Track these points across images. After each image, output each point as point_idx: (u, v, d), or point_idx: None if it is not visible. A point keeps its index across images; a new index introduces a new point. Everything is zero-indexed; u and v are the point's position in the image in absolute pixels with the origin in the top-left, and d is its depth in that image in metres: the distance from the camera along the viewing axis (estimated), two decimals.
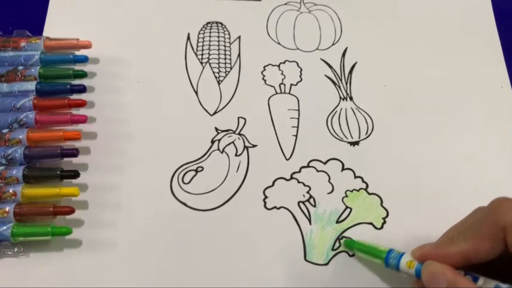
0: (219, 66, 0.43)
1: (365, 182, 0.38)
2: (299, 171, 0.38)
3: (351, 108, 0.42)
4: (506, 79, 0.43)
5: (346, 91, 0.42)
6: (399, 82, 0.43)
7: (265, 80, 0.42)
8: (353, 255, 0.36)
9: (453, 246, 0.29)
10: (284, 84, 0.42)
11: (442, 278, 0.28)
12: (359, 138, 0.40)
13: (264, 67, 0.43)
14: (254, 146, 0.39)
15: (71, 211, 0.34)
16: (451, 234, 0.30)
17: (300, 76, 0.43)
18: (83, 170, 0.37)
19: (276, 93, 0.42)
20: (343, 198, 0.38)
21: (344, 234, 0.36)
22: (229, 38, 0.44)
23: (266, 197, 0.37)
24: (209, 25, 0.45)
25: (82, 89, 0.39)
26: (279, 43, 0.44)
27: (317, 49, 0.44)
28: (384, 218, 0.37)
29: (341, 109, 0.41)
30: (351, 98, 0.42)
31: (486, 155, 0.39)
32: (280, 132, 0.40)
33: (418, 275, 0.30)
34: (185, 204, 0.37)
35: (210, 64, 0.43)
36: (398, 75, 0.43)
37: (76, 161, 0.37)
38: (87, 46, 0.41)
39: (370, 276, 0.35)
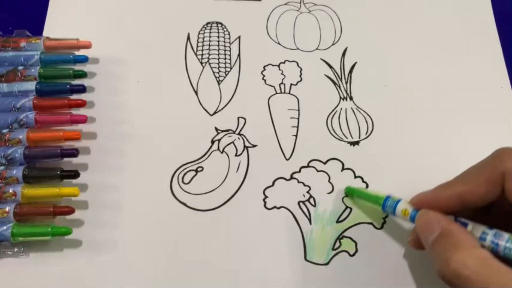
0: (219, 66, 0.43)
1: (365, 182, 0.38)
2: (299, 171, 0.38)
3: (351, 108, 0.42)
4: (506, 79, 0.43)
5: (346, 91, 0.42)
6: (399, 82, 0.43)
7: (265, 80, 0.42)
8: (353, 255, 0.36)
9: (450, 189, 0.29)
10: (284, 84, 0.42)
11: (436, 225, 0.28)
12: (359, 138, 0.40)
13: (264, 67, 0.43)
14: (254, 146, 0.39)
15: (71, 211, 0.34)
16: (450, 180, 0.31)
17: (300, 76, 0.43)
18: (83, 170, 0.37)
19: (276, 93, 0.42)
20: (343, 198, 0.38)
21: (344, 234, 0.36)
22: (229, 38, 0.44)
23: (266, 197, 0.37)
24: (209, 25, 0.45)
25: (82, 89, 0.39)
26: (279, 43, 0.44)
27: (317, 49, 0.44)
28: (384, 218, 0.37)
29: (341, 109, 0.41)
30: (351, 98, 0.42)
31: (486, 155, 0.39)
32: (280, 132, 0.40)
33: (413, 221, 0.31)
34: (185, 204, 0.37)
35: (210, 64, 0.43)
36: (398, 75, 0.43)
37: (76, 161, 0.37)
38: (87, 46, 0.41)
39: (370, 276, 0.35)
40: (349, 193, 0.37)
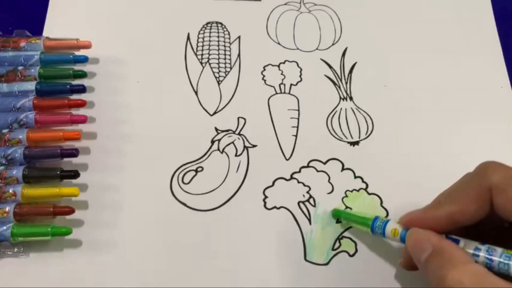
0: (219, 66, 0.43)
1: (365, 182, 0.38)
2: (299, 171, 0.38)
3: (351, 108, 0.42)
4: (506, 79, 0.43)
5: (346, 91, 0.42)
6: (399, 82, 0.43)
7: (265, 80, 0.42)
8: (353, 255, 0.36)
9: (440, 209, 0.29)
10: (284, 84, 0.42)
11: (427, 244, 0.28)
12: (359, 138, 0.40)
13: (264, 67, 0.43)
14: (254, 146, 0.39)
15: (71, 211, 0.34)
16: (437, 199, 0.30)
17: (300, 76, 0.43)
18: (83, 170, 0.37)
19: (276, 93, 0.42)
20: (343, 198, 0.38)
21: (344, 234, 0.36)
22: (229, 38, 0.44)
23: (266, 197, 0.37)
24: (209, 25, 0.45)
25: (82, 89, 0.39)
26: (279, 43, 0.44)
27: (317, 49, 0.44)
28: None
29: (341, 109, 0.41)
30: (351, 98, 0.42)
31: (486, 155, 0.39)
32: (280, 132, 0.40)
33: (404, 242, 0.30)
34: (185, 204, 0.37)
35: (210, 64, 0.43)
36: (398, 75, 0.43)
37: (76, 161, 0.37)
38: (87, 46, 0.41)
39: (370, 276, 0.35)
40: (336, 215, 0.37)
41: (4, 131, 0.36)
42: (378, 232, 0.32)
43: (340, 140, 0.40)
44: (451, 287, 0.25)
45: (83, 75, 0.39)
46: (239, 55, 0.44)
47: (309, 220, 0.37)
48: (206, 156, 0.39)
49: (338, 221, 0.37)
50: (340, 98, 0.42)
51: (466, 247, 0.27)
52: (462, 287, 0.25)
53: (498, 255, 0.26)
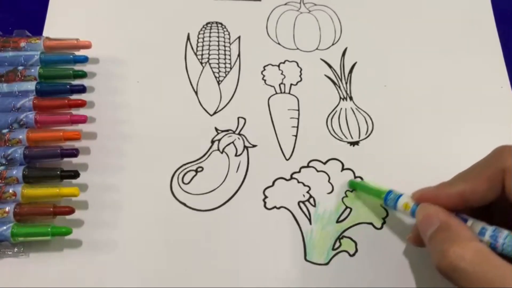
0: (219, 66, 0.43)
1: None
2: (299, 171, 0.38)
3: (351, 108, 0.42)
4: (506, 79, 0.43)
5: (346, 91, 0.42)
6: (399, 82, 0.43)
7: (265, 80, 0.42)
8: (353, 255, 0.36)
9: (452, 187, 0.30)
10: (284, 84, 0.42)
11: (435, 219, 0.29)
12: (359, 138, 0.40)
13: (264, 67, 0.43)
14: (254, 146, 0.39)
15: (71, 211, 0.34)
16: (452, 178, 0.31)
17: (300, 76, 0.43)
18: (83, 170, 0.37)
19: (276, 93, 0.42)
20: (343, 198, 0.38)
21: (344, 234, 0.36)
22: (229, 38, 0.44)
23: (266, 197, 0.37)
24: (209, 25, 0.45)
25: (82, 89, 0.39)
26: (279, 43, 0.44)
27: (317, 49, 0.44)
28: (384, 218, 0.37)
29: (341, 109, 0.41)
30: (351, 98, 0.42)
31: (485, 154, 0.39)
32: (280, 132, 0.40)
33: (414, 216, 0.31)
34: (185, 204, 0.37)
35: (210, 64, 0.43)
36: (398, 75, 0.43)
37: (76, 161, 0.37)
38: (87, 46, 0.41)
39: (370, 276, 0.35)
40: (352, 186, 0.38)
41: (4, 131, 0.36)
42: (390, 205, 0.33)
43: (340, 140, 0.40)
44: (453, 261, 0.26)
45: (83, 75, 0.39)
46: (239, 55, 0.44)
47: (309, 220, 0.37)
48: (206, 156, 0.39)
49: (338, 221, 0.37)
50: (340, 98, 0.42)
51: (473, 226, 0.28)
52: (463, 262, 0.25)
53: (503, 237, 0.26)
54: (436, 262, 0.27)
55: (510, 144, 0.29)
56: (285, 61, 0.43)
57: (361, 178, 0.38)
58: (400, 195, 0.33)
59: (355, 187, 0.37)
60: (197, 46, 0.44)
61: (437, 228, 0.28)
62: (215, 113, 0.41)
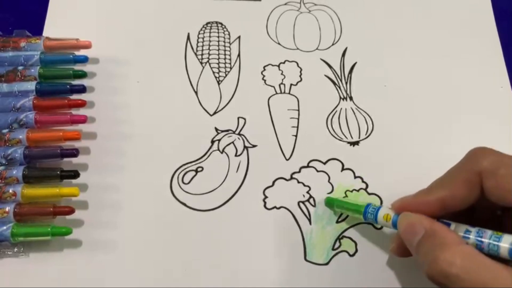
0: (219, 66, 0.43)
1: (365, 182, 0.38)
2: (299, 171, 0.38)
3: (351, 108, 0.42)
4: (506, 79, 0.43)
5: (346, 91, 0.42)
6: (399, 82, 0.43)
7: (265, 80, 0.42)
8: (353, 255, 0.36)
9: (431, 194, 0.29)
10: (284, 84, 0.42)
11: (418, 227, 0.28)
12: (359, 138, 0.40)
13: (264, 67, 0.43)
14: (254, 146, 0.39)
15: (71, 211, 0.34)
16: (430, 185, 0.30)
17: (300, 76, 0.43)
18: (83, 170, 0.37)
19: (276, 93, 0.42)
20: (343, 198, 0.38)
21: (344, 234, 0.36)
22: (229, 38, 0.44)
23: (266, 197, 0.37)
24: (209, 25, 0.45)
25: (82, 89, 0.39)
26: (279, 43, 0.44)
27: (317, 49, 0.44)
28: None
29: (341, 109, 0.41)
30: (351, 98, 0.42)
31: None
32: (280, 132, 0.40)
33: (395, 227, 0.30)
34: (185, 204, 0.37)
35: (210, 64, 0.43)
36: (398, 75, 0.43)
37: (76, 161, 0.37)
38: (87, 46, 0.41)
39: (370, 276, 0.35)
40: (329, 203, 0.37)
41: (4, 131, 0.36)
42: (370, 218, 0.32)
43: (340, 140, 0.40)
44: (443, 268, 0.25)
45: (83, 75, 0.39)
46: (239, 55, 0.44)
47: (309, 220, 0.37)
48: (206, 156, 0.39)
49: (338, 221, 0.37)
50: (340, 98, 0.42)
51: (457, 230, 0.28)
52: (454, 267, 0.25)
53: (488, 237, 0.26)
54: (426, 270, 0.27)
55: (483, 146, 0.29)
56: (285, 61, 0.43)
57: (361, 178, 0.38)
58: (379, 207, 0.32)
59: (332, 203, 0.36)
60: (197, 46, 0.44)
61: (422, 236, 0.28)
62: (215, 113, 0.41)
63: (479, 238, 0.27)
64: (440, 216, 0.29)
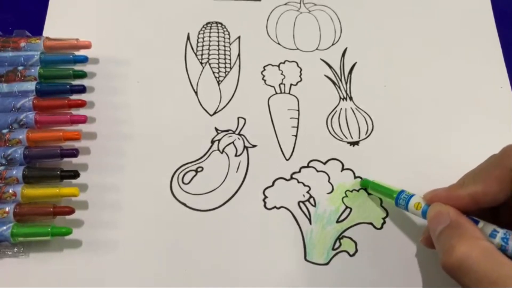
0: (219, 66, 0.43)
1: None
2: (299, 171, 0.38)
3: (351, 108, 0.42)
4: (506, 79, 0.43)
5: (346, 91, 0.42)
6: (399, 82, 0.43)
7: (265, 80, 0.42)
8: (353, 255, 0.36)
9: (463, 189, 0.29)
10: (284, 84, 0.42)
11: (445, 216, 0.29)
12: (359, 138, 0.40)
13: (264, 67, 0.43)
14: (254, 146, 0.39)
15: (71, 211, 0.34)
16: (462, 179, 0.31)
17: (300, 76, 0.43)
18: (83, 170, 0.37)
19: (276, 93, 0.42)
20: (343, 198, 0.38)
21: (344, 234, 0.36)
22: (229, 38, 0.44)
23: (266, 197, 0.37)
24: (209, 25, 0.45)
25: (82, 89, 0.39)
26: (279, 43, 0.44)
27: (317, 49, 0.44)
28: (384, 218, 0.37)
29: (341, 109, 0.41)
30: (351, 98, 0.42)
31: (486, 155, 0.39)
32: (280, 132, 0.40)
33: (424, 216, 0.31)
34: (185, 205, 0.37)
35: (210, 64, 0.43)
36: (398, 75, 0.43)
37: (76, 161, 0.37)
38: (87, 46, 0.41)
39: (370, 276, 0.35)
40: (364, 185, 0.38)
41: (4, 131, 0.36)
42: (401, 204, 0.33)
43: (340, 140, 0.40)
44: (458, 257, 0.26)
45: (83, 75, 0.39)
46: (239, 55, 0.44)
47: (309, 220, 0.37)
48: (206, 156, 0.39)
49: (338, 221, 0.37)
50: (340, 98, 0.42)
51: (484, 228, 0.28)
52: (470, 259, 0.25)
53: None
54: (443, 258, 0.27)
55: None
56: (285, 61, 0.43)
57: (361, 178, 0.38)
58: (412, 195, 0.33)
59: (367, 185, 0.37)
60: (197, 46, 0.44)
61: (447, 226, 0.28)
62: (215, 113, 0.41)
63: (505, 240, 0.27)
64: (471, 211, 0.29)
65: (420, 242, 0.33)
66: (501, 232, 0.27)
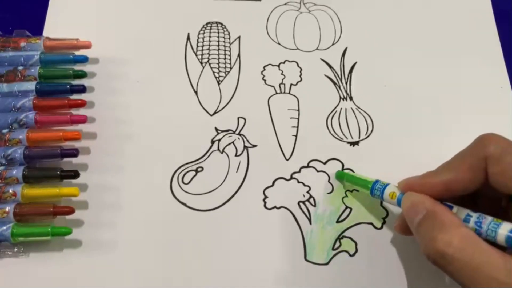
0: (219, 66, 0.43)
1: None
2: (299, 171, 0.38)
3: (351, 108, 0.42)
4: (506, 79, 0.43)
5: (346, 91, 0.42)
6: (399, 82, 0.43)
7: (265, 80, 0.42)
8: (353, 255, 0.36)
9: (436, 177, 0.30)
10: (284, 84, 0.42)
11: (421, 207, 0.29)
12: (359, 138, 0.40)
13: (264, 67, 0.43)
14: (254, 146, 0.39)
15: (71, 211, 0.34)
16: (437, 168, 0.31)
17: (300, 76, 0.43)
18: (83, 170, 0.37)
19: (276, 93, 0.42)
20: (343, 198, 0.38)
21: (344, 234, 0.36)
22: (229, 38, 0.44)
23: (266, 197, 0.37)
24: (209, 25, 0.45)
25: (82, 89, 0.39)
26: (279, 43, 0.44)
27: (317, 49, 0.44)
28: (384, 218, 0.37)
29: (341, 109, 0.41)
30: (351, 98, 0.42)
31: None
32: (280, 132, 0.40)
33: (400, 205, 0.31)
34: (185, 205, 0.37)
35: (210, 64, 0.43)
36: (398, 75, 0.43)
37: (76, 161, 0.37)
38: (87, 46, 0.41)
39: (370, 276, 0.35)
40: (339, 177, 0.38)
41: (4, 131, 0.36)
42: (377, 195, 0.34)
43: (340, 140, 0.40)
44: (440, 247, 0.26)
45: (83, 75, 0.39)
46: (239, 55, 0.44)
47: (309, 220, 0.37)
48: (206, 156, 0.39)
49: (338, 221, 0.37)
50: (340, 98, 0.42)
51: (458, 213, 0.28)
52: (451, 248, 0.26)
53: (487, 223, 0.27)
54: (424, 249, 0.27)
55: (491, 132, 0.29)
56: (285, 61, 0.43)
57: (352, 170, 0.38)
58: (387, 185, 0.33)
59: (342, 177, 0.38)
60: (197, 46, 0.44)
61: (424, 216, 0.28)
62: (215, 113, 0.41)
63: (479, 223, 0.27)
64: (444, 198, 0.30)
65: (394, 229, 0.33)
66: (474, 216, 0.27)
